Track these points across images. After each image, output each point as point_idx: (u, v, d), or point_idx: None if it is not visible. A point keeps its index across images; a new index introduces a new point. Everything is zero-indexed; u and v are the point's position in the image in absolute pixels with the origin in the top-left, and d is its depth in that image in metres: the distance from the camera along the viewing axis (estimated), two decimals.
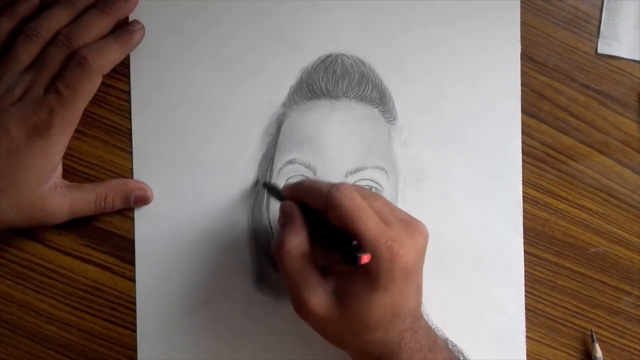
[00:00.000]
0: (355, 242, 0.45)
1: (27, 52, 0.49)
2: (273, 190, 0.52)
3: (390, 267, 0.44)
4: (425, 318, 0.49)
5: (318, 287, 0.46)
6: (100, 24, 0.49)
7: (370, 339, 0.46)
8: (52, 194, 0.49)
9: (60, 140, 0.49)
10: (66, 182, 0.51)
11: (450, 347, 0.49)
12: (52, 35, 0.49)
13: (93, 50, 0.48)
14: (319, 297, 0.45)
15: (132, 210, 0.53)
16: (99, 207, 0.51)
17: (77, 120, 0.49)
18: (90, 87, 0.49)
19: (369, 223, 0.44)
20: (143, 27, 0.51)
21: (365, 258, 0.43)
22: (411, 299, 0.46)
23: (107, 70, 0.49)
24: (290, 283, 0.46)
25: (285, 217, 0.48)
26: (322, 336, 0.48)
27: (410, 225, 0.46)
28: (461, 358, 0.49)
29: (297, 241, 0.46)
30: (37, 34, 0.48)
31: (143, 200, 0.52)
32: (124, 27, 0.51)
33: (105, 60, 0.49)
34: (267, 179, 0.53)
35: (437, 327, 0.50)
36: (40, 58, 0.48)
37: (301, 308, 0.46)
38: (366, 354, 0.47)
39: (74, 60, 0.48)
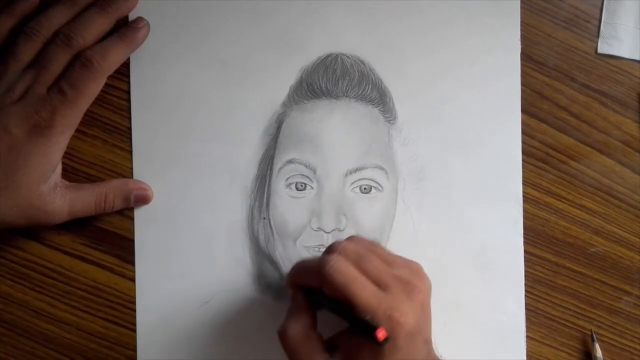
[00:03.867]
0: (368, 317, 0.43)
1: (27, 51, 0.49)
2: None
3: (393, 337, 0.43)
4: (436, 354, 0.48)
5: None
6: (100, 22, 0.49)
7: None
8: (52, 193, 0.49)
9: (61, 139, 0.49)
10: (66, 182, 0.51)
11: None
12: (52, 34, 0.49)
13: (98, 52, 0.48)
14: None
15: (132, 210, 0.53)
16: (99, 207, 0.51)
17: (79, 121, 0.50)
18: (94, 88, 0.49)
19: (364, 294, 0.43)
20: (147, 24, 0.52)
21: (382, 333, 0.42)
22: (419, 353, 0.45)
23: (112, 71, 0.50)
24: None
25: (291, 303, 0.48)
26: None
27: (410, 284, 0.45)
28: None
29: (298, 327, 0.46)
30: (37, 33, 0.49)
31: (143, 199, 0.52)
32: (128, 25, 0.51)
33: (110, 61, 0.49)
34: (267, 179, 0.53)
35: None
36: (40, 57, 0.49)
37: None
38: None
39: (79, 62, 0.48)
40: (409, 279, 0.45)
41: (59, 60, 0.48)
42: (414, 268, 0.47)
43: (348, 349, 0.46)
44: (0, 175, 0.47)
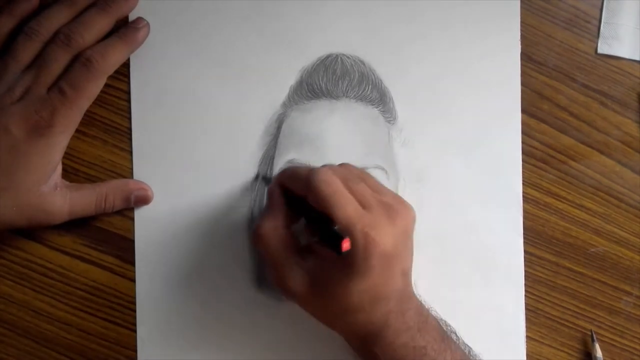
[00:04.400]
0: (337, 227, 0.44)
1: (27, 51, 0.49)
2: (269, 182, 0.53)
3: (365, 255, 0.44)
4: (418, 298, 0.49)
5: (294, 267, 0.47)
6: (101, 22, 0.49)
7: (352, 321, 0.47)
8: (53, 194, 0.49)
9: (61, 139, 0.49)
10: (66, 182, 0.51)
11: (443, 326, 0.49)
12: (52, 34, 0.49)
13: (98, 52, 0.48)
14: (297, 279, 0.46)
15: (132, 210, 0.53)
16: (100, 207, 0.51)
17: (79, 121, 0.50)
18: (94, 88, 0.49)
19: (345, 208, 0.44)
20: (148, 25, 0.51)
21: (346, 245, 0.43)
22: (395, 282, 0.46)
23: (111, 71, 0.50)
24: (268, 265, 0.48)
25: (267, 201, 0.49)
26: (309, 313, 0.49)
27: (392, 209, 0.46)
28: (454, 337, 0.49)
29: (271, 225, 0.47)
30: (37, 33, 0.49)
31: (143, 200, 0.52)
32: (128, 25, 0.51)
33: (110, 61, 0.49)
34: (267, 179, 0.53)
35: (432, 308, 0.50)
36: (40, 57, 0.48)
37: (282, 289, 0.48)
38: (352, 333, 0.48)
39: (79, 62, 0.48)
40: (393, 204, 0.46)
41: (59, 60, 0.48)
42: (399, 198, 0.47)
43: (322, 258, 0.47)
44: (0, 175, 0.47)
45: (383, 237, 0.44)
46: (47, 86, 0.48)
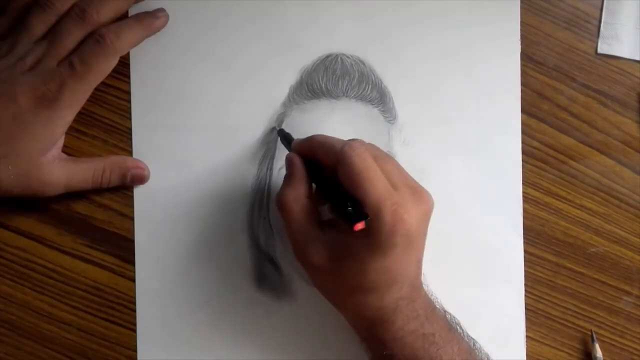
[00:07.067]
0: (350, 209, 0.44)
1: (40, 23, 0.48)
2: (285, 139, 0.52)
3: (392, 232, 0.44)
4: (426, 289, 0.49)
5: (315, 238, 0.47)
6: (118, 1, 0.49)
7: (364, 302, 0.47)
8: (51, 165, 0.49)
9: (67, 114, 0.49)
10: (65, 155, 0.51)
11: (449, 318, 0.50)
12: (67, 9, 0.49)
13: (112, 30, 0.48)
14: (316, 251, 0.46)
15: (132, 210, 0.53)
16: (96, 182, 0.51)
17: (87, 97, 0.49)
18: (105, 65, 0.49)
19: (376, 184, 0.44)
20: (167, 16, 0.52)
21: (360, 225, 0.43)
22: (410, 267, 0.46)
23: (124, 52, 0.49)
24: (289, 234, 0.48)
25: (287, 170, 0.49)
26: (319, 291, 0.49)
27: (418, 192, 0.46)
28: (459, 329, 0.49)
29: (294, 194, 0.47)
30: (51, 5, 0.48)
31: (140, 179, 0.52)
32: (147, 12, 0.51)
33: (124, 41, 0.49)
34: (267, 179, 0.54)
35: (437, 299, 0.50)
36: (53, 30, 0.48)
37: (300, 258, 0.48)
38: (360, 316, 0.48)
39: (92, 38, 0.48)
40: (418, 188, 0.47)
41: (72, 34, 0.48)
42: (421, 186, 0.48)
43: (344, 232, 0.46)
44: (2, 142, 0.47)
45: (409, 216, 0.44)
46: (58, 59, 0.48)
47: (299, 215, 0.47)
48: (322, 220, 0.48)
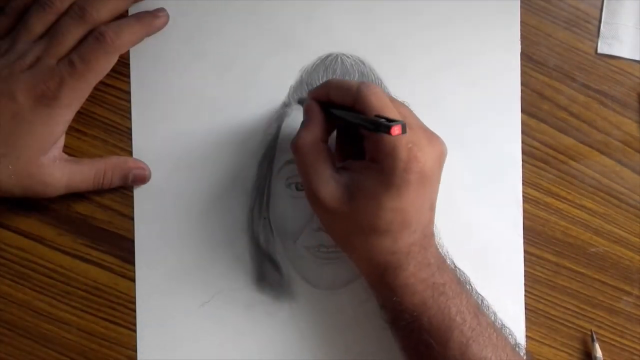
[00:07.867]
0: (383, 119, 0.43)
1: (40, 22, 0.48)
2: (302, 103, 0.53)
3: (407, 169, 0.44)
4: (437, 241, 0.49)
5: (330, 179, 0.47)
6: (116, 0, 0.49)
7: (377, 244, 0.47)
8: (52, 165, 0.49)
9: (66, 112, 0.49)
10: (66, 155, 0.51)
11: (458, 273, 0.50)
12: (67, 7, 0.49)
13: (112, 29, 0.48)
14: (330, 189, 0.46)
15: (132, 209, 0.53)
16: (97, 183, 0.51)
17: (86, 95, 0.49)
18: (105, 63, 0.49)
19: None
20: (167, 16, 0.52)
21: (397, 129, 0.41)
22: (423, 211, 0.47)
23: (124, 50, 0.49)
24: (303, 176, 0.48)
25: (305, 115, 0.49)
26: (331, 237, 0.49)
27: (432, 135, 0.47)
28: (467, 286, 0.49)
29: (310, 136, 0.47)
30: (51, 4, 0.48)
31: (141, 179, 0.52)
32: (148, 11, 0.51)
33: (124, 39, 0.49)
34: (267, 179, 0.54)
35: (447, 254, 0.50)
36: (53, 28, 0.48)
37: (313, 199, 0.47)
38: (372, 262, 0.48)
39: (92, 36, 0.48)
40: (432, 133, 0.47)
41: (72, 33, 0.48)
42: (433, 131, 0.48)
43: (359, 172, 0.47)
44: (1, 141, 0.47)
45: (424, 154, 0.45)
46: (58, 58, 0.48)
47: (314, 157, 0.47)
48: (337, 166, 0.48)
